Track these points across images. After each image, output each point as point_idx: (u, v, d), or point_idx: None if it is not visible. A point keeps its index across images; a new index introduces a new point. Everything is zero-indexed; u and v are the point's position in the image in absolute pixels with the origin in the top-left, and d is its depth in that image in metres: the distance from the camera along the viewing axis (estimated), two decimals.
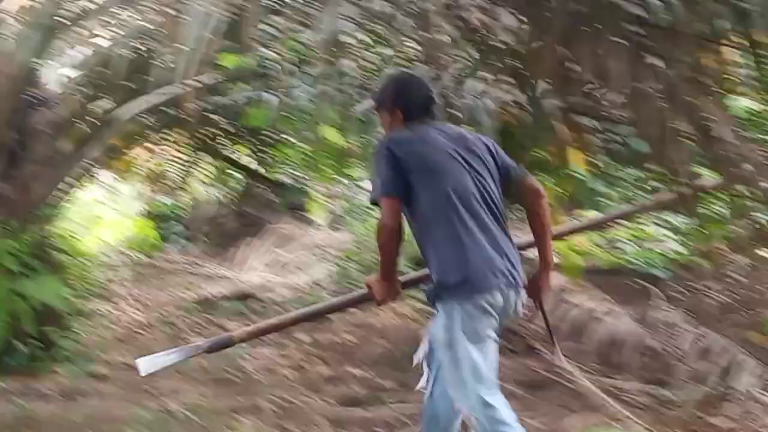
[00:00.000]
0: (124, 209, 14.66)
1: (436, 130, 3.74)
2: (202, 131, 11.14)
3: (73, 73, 6.94)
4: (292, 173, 13.54)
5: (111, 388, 6.08)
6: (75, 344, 6.86)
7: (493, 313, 3.50)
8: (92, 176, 7.71)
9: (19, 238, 6.48)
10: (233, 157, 13.38)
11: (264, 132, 11.10)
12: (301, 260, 11.15)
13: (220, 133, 11.02)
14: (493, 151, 3.81)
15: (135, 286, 10.83)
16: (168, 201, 14.48)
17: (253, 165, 13.70)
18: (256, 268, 11.57)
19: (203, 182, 14.37)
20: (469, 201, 3.56)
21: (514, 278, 3.57)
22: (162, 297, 9.98)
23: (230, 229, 13.43)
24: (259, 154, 12.84)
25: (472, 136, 3.85)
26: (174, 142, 11.68)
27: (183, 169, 12.66)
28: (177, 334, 8.11)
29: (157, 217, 14.23)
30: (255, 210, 13.47)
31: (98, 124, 7.14)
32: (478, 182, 3.63)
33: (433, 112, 3.85)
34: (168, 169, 13.39)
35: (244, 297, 9.45)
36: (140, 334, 8.15)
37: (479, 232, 3.53)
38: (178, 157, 12.54)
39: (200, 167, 13.62)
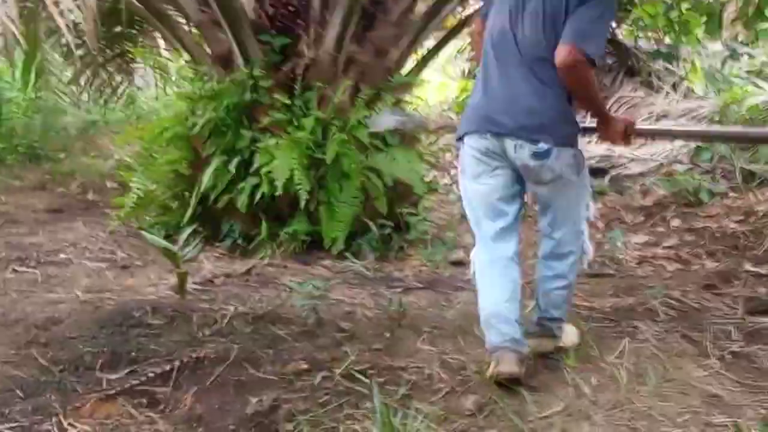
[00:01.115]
0: (447, 71, 14.14)
1: None
2: None
3: None
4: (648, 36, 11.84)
5: None
6: (428, 225, 6.34)
7: (490, 156, 3.56)
8: (445, 40, 7.00)
9: (374, 107, 5.94)
10: None
11: None
12: None
13: None
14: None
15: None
16: None
17: None
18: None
19: None
20: (504, 42, 3.53)
21: (518, 128, 3.48)
22: None
23: None
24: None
25: None
26: None
27: None
28: None
29: None
30: None
31: None
32: (523, 24, 3.49)
33: None
34: None
35: (594, 172, 8.45)
36: None
37: (498, 75, 3.54)
38: None
39: None
